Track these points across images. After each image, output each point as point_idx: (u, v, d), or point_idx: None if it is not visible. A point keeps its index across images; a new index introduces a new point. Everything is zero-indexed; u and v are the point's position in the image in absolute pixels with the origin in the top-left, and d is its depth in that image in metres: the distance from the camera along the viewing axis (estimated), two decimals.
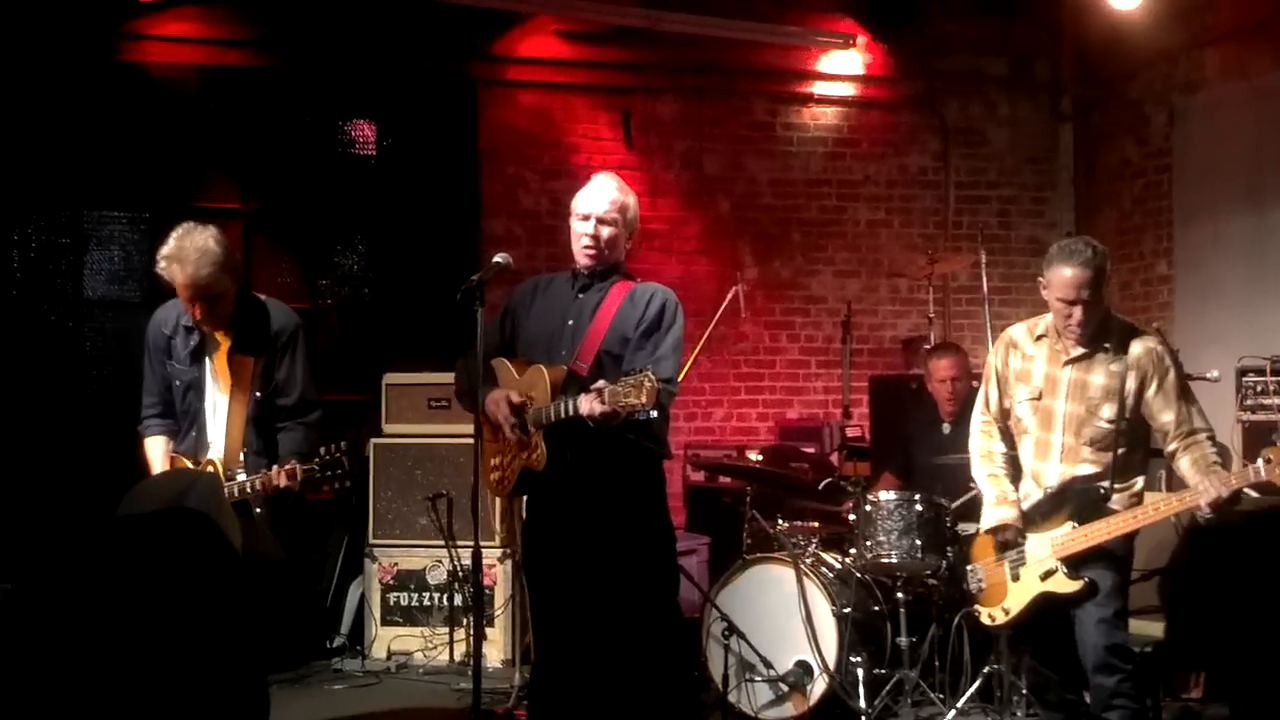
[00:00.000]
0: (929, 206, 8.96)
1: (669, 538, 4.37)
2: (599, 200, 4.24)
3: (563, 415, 3.94)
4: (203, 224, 4.56)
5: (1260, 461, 4.06)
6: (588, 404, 3.80)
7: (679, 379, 4.35)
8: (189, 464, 4.57)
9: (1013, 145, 9.06)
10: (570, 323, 4.24)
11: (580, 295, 4.28)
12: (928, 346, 7.01)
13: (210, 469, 4.51)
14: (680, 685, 4.39)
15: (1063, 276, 4.35)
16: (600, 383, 3.79)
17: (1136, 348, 4.44)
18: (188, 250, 4.40)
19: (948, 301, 8.77)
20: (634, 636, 4.16)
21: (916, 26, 8.74)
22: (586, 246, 4.23)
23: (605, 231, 4.22)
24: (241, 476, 4.47)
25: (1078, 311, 4.37)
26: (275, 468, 4.42)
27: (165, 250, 4.45)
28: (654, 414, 3.77)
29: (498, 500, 6.13)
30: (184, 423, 4.64)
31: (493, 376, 4.24)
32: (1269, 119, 7.22)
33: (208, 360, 4.61)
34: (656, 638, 4.19)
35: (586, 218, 4.23)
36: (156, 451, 4.68)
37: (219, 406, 4.58)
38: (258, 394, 4.55)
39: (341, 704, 5.79)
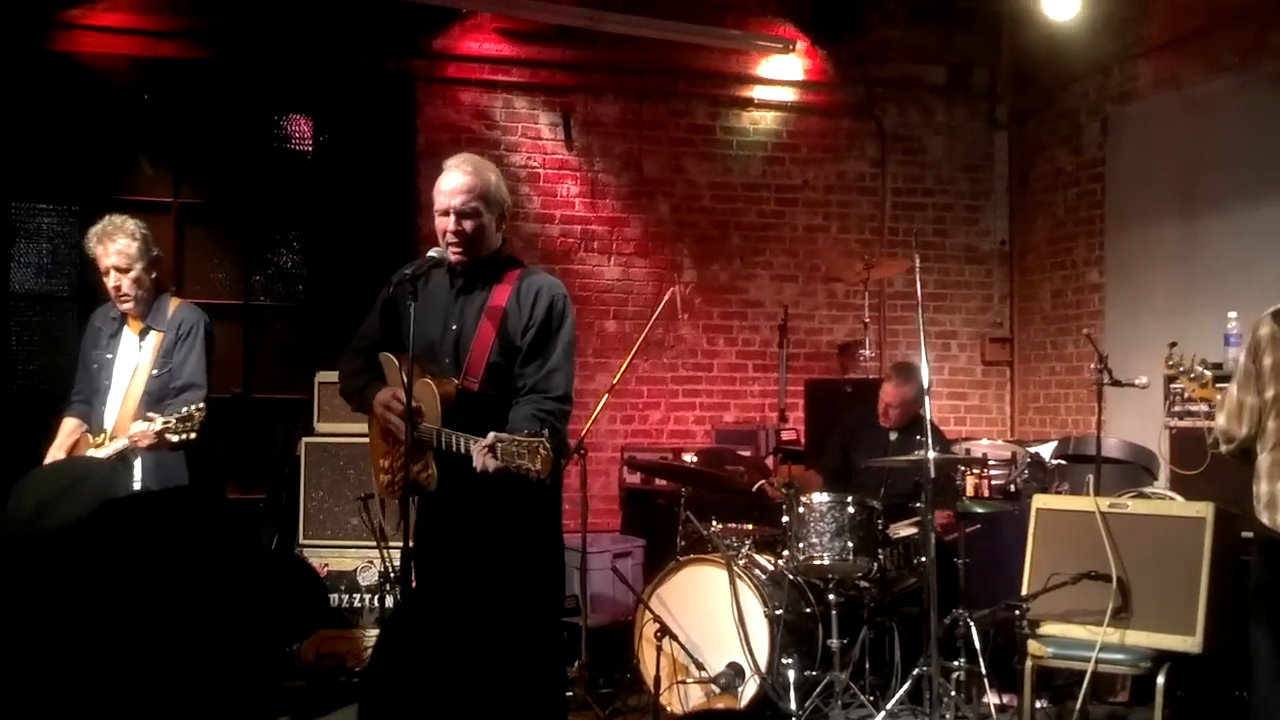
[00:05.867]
0: (866, 212, 9.01)
1: (557, 556, 4.20)
2: (452, 193, 3.97)
3: (454, 449, 3.79)
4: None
5: None
6: (480, 458, 3.63)
7: (573, 388, 4.10)
8: (92, 440, 5.04)
9: (949, 153, 9.15)
10: (454, 327, 4.02)
11: (462, 295, 4.06)
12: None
13: (109, 441, 4.98)
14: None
15: None
16: (491, 436, 3.62)
17: None
18: (112, 224, 5.07)
19: (883, 307, 8.83)
20: (504, 649, 3.97)
21: (856, 33, 8.78)
22: (453, 245, 3.98)
23: (468, 224, 3.97)
24: (121, 442, 4.91)
25: None
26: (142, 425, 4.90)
27: (92, 231, 5.10)
28: (546, 481, 3.59)
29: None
30: (94, 400, 5.15)
31: (380, 373, 4.14)
32: (1200, 129, 7.32)
33: (120, 343, 5.15)
34: (527, 654, 3.86)
35: (446, 212, 3.98)
36: (65, 428, 5.19)
37: (119, 384, 5.09)
38: (154, 372, 5.05)
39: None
